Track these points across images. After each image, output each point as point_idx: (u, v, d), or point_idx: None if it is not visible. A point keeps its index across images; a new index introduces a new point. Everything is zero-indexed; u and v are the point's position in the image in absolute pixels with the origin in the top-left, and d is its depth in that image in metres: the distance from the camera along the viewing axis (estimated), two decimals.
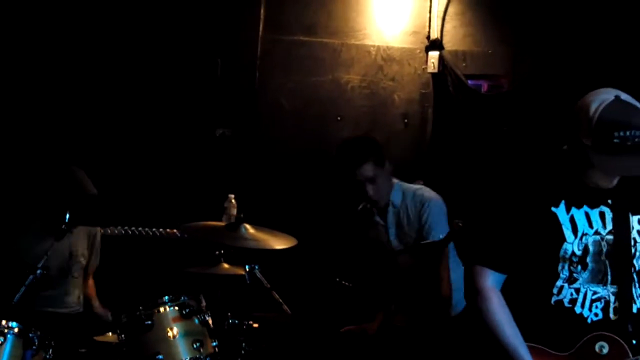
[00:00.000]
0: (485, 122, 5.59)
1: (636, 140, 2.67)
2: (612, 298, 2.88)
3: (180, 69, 6.00)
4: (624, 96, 2.76)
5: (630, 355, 2.81)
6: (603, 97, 2.73)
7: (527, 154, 3.25)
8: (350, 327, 4.40)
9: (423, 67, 5.89)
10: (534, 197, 2.89)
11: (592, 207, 2.88)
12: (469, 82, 5.75)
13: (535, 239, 2.87)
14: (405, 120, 5.95)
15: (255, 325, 4.05)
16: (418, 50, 5.94)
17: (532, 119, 5.38)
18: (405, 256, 4.17)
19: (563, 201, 2.88)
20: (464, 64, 5.80)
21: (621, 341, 2.83)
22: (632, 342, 2.83)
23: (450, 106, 5.75)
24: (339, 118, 6.03)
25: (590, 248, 2.86)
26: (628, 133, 2.66)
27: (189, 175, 5.86)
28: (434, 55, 5.82)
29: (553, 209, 2.87)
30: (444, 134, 5.80)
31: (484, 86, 5.91)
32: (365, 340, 4.26)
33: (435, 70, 5.81)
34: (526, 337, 2.86)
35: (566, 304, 2.88)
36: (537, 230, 2.87)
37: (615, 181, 2.85)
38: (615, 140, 2.66)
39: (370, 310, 4.50)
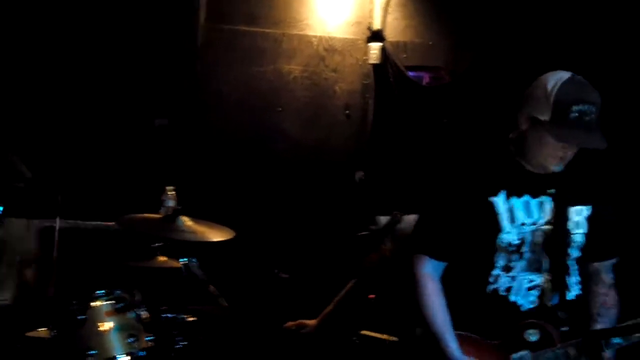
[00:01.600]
0: (426, 114, 5.61)
1: (592, 115, 2.77)
2: (548, 286, 2.93)
3: (119, 57, 5.90)
4: (577, 76, 2.85)
5: (560, 342, 2.86)
6: (559, 75, 2.83)
7: (469, 144, 3.28)
8: (290, 323, 4.38)
9: (364, 58, 5.89)
10: (472, 186, 2.93)
11: (534, 196, 2.93)
12: (410, 73, 5.77)
13: (473, 228, 2.92)
14: (347, 112, 5.95)
15: (192, 318, 4.00)
16: (360, 41, 5.94)
17: (472, 111, 5.41)
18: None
19: (504, 191, 2.92)
20: (405, 55, 5.81)
21: (552, 328, 2.88)
22: (563, 329, 2.90)
23: (391, 97, 5.76)
24: (280, 109, 6.00)
25: (528, 237, 2.91)
26: (585, 107, 2.76)
27: (127, 166, 5.78)
28: (375, 46, 5.82)
29: (491, 198, 2.91)
30: (384, 125, 5.81)
31: (425, 78, 5.92)
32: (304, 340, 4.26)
33: (377, 62, 5.82)
34: (461, 325, 2.91)
35: (501, 292, 2.93)
36: (474, 219, 2.91)
37: (561, 164, 2.89)
38: (573, 115, 2.75)
39: (309, 302, 4.49)
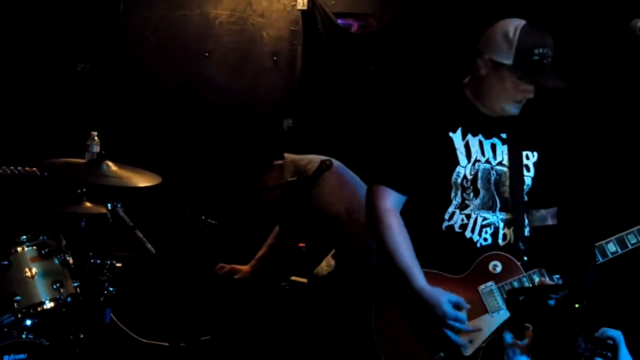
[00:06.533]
0: (354, 62, 5.60)
1: (549, 59, 2.94)
2: (501, 225, 3.05)
3: (40, 1, 5.72)
4: (531, 23, 2.99)
5: (523, 271, 2.98)
6: (515, 22, 2.97)
7: (429, 86, 3.35)
8: (223, 265, 4.38)
9: (293, 4, 5.82)
10: (433, 121, 3.04)
11: (486, 137, 3.06)
12: (339, 21, 5.74)
13: (433, 161, 3.01)
14: (275, 58, 5.91)
15: (119, 264, 3.96)
16: None
17: (399, 58, 5.42)
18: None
19: (460, 127, 3.03)
20: (333, 2, 5.77)
21: (513, 259, 3.00)
22: (524, 259, 3.02)
23: (320, 45, 5.73)
24: (206, 54, 5.92)
25: (480, 174, 3.02)
26: (544, 51, 2.93)
27: (49, 111, 5.65)
28: None
29: (450, 134, 3.02)
30: (313, 73, 5.78)
31: (354, 26, 5.91)
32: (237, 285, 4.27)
33: (305, 8, 5.77)
34: (421, 262, 2.98)
35: (457, 229, 3.02)
36: (435, 152, 3.01)
37: (519, 107, 3.02)
38: (535, 58, 2.92)
39: (238, 249, 4.50)
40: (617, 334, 2.32)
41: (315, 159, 4.04)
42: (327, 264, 4.12)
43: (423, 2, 5.40)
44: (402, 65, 5.35)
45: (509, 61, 2.94)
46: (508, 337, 2.39)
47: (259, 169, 4.17)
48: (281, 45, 5.89)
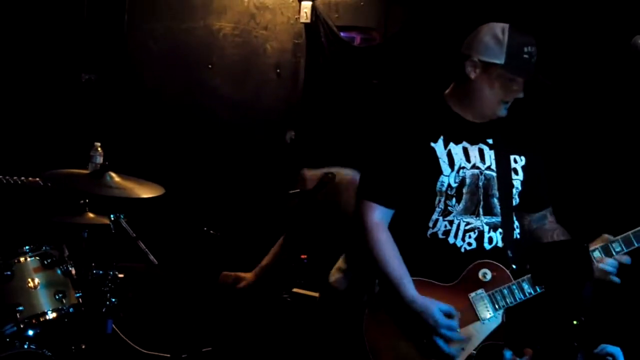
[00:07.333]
0: (356, 75, 5.62)
1: (535, 57, 3.02)
2: (486, 228, 3.06)
3: (46, 12, 5.74)
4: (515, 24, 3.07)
5: (512, 279, 3.01)
6: (500, 25, 3.05)
7: (406, 98, 3.39)
8: (227, 273, 4.38)
9: (296, 16, 5.85)
10: (414, 133, 3.06)
11: (472, 143, 3.09)
12: (342, 34, 5.76)
13: (416, 173, 3.03)
14: (278, 70, 5.92)
15: (121, 275, 3.98)
16: (291, 0, 5.89)
17: (401, 72, 5.44)
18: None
19: (442, 137, 3.05)
20: (336, 15, 5.79)
21: (502, 267, 3.02)
22: (513, 267, 3.03)
23: (323, 57, 5.75)
24: (210, 66, 5.95)
25: (467, 181, 3.04)
26: (532, 49, 3.01)
27: (53, 121, 5.66)
28: (306, 5, 5.78)
29: (432, 143, 3.05)
30: (315, 85, 5.80)
31: (357, 39, 5.92)
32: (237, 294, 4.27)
33: (308, 21, 5.78)
34: (409, 270, 3.00)
35: (440, 236, 3.04)
36: (418, 164, 3.03)
37: (506, 109, 3.07)
38: (525, 56, 3.00)
39: (239, 260, 4.50)
40: (616, 350, 2.33)
41: (336, 169, 4.06)
42: (337, 270, 4.10)
43: (425, 16, 5.42)
44: (404, 78, 5.36)
45: (500, 60, 2.99)
46: (508, 354, 2.40)
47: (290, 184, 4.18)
48: (284, 58, 5.91)
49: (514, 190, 3.12)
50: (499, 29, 3.02)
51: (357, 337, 3.03)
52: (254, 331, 4.14)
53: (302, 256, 4.07)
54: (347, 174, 4.05)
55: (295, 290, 3.98)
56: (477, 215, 3.06)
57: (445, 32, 5.22)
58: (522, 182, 3.14)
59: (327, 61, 5.73)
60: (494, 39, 3.01)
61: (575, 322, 2.12)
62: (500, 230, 3.07)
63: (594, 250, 2.95)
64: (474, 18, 5.01)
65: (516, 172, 3.14)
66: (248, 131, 5.86)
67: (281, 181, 4.90)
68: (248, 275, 4.38)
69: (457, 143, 3.06)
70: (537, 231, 3.21)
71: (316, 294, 3.98)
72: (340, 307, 3.85)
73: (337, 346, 3.68)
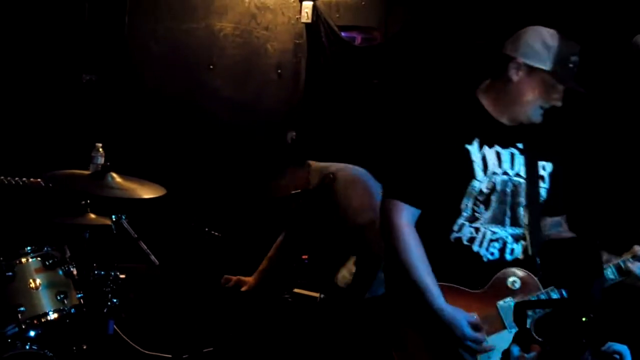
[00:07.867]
0: (357, 75, 5.61)
1: (577, 67, 3.01)
2: (510, 239, 3.03)
3: (46, 13, 5.74)
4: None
5: (541, 287, 2.97)
6: (548, 30, 3.02)
7: (440, 96, 3.36)
8: (229, 277, 4.37)
9: (297, 17, 5.85)
10: (448, 133, 3.00)
11: (504, 147, 3.04)
12: (343, 34, 5.76)
13: (447, 174, 2.98)
14: (279, 71, 5.92)
15: (122, 276, 3.97)
16: (292, 0, 5.89)
17: (402, 72, 5.43)
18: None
19: (476, 139, 3.00)
20: (337, 15, 5.79)
21: (532, 275, 2.99)
22: (540, 274, 3.00)
23: (324, 57, 5.74)
24: (211, 67, 5.94)
25: (498, 187, 3.00)
26: (577, 59, 3.00)
27: (54, 122, 5.66)
28: (307, 5, 5.78)
29: (466, 145, 2.99)
30: (317, 85, 5.79)
31: (358, 39, 5.92)
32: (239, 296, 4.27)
33: (309, 21, 5.78)
34: (437, 275, 2.94)
35: (465, 242, 3.00)
36: (450, 166, 2.98)
37: (542, 115, 3.03)
38: (570, 65, 2.99)
39: (241, 261, 4.50)
40: (623, 349, 2.32)
41: (341, 166, 4.05)
42: (348, 272, 4.09)
43: (426, 16, 5.41)
44: (405, 78, 5.36)
45: (546, 67, 2.96)
46: (515, 350, 2.39)
47: (269, 174, 4.16)
48: (285, 58, 5.90)
49: (540, 199, 3.08)
50: (548, 35, 2.99)
51: (382, 345, 2.99)
52: (255, 331, 4.13)
53: (303, 257, 4.06)
54: (349, 172, 4.04)
55: (296, 290, 3.97)
56: (504, 225, 3.03)
57: (446, 32, 5.23)
58: (547, 190, 3.11)
59: (328, 61, 5.73)
60: (543, 44, 2.97)
61: (583, 319, 2.10)
62: (522, 241, 3.05)
63: (624, 261, 2.92)
64: (474, 18, 5.08)
65: (543, 180, 3.10)
66: (249, 131, 5.85)
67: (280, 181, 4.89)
68: (249, 279, 4.37)
69: (490, 146, 3.01)
70: (553, 237, 3.17)
71: (317, 294, 3.97)
72: (344, 307, 3.85)
73: (340, 346, 3.68)
